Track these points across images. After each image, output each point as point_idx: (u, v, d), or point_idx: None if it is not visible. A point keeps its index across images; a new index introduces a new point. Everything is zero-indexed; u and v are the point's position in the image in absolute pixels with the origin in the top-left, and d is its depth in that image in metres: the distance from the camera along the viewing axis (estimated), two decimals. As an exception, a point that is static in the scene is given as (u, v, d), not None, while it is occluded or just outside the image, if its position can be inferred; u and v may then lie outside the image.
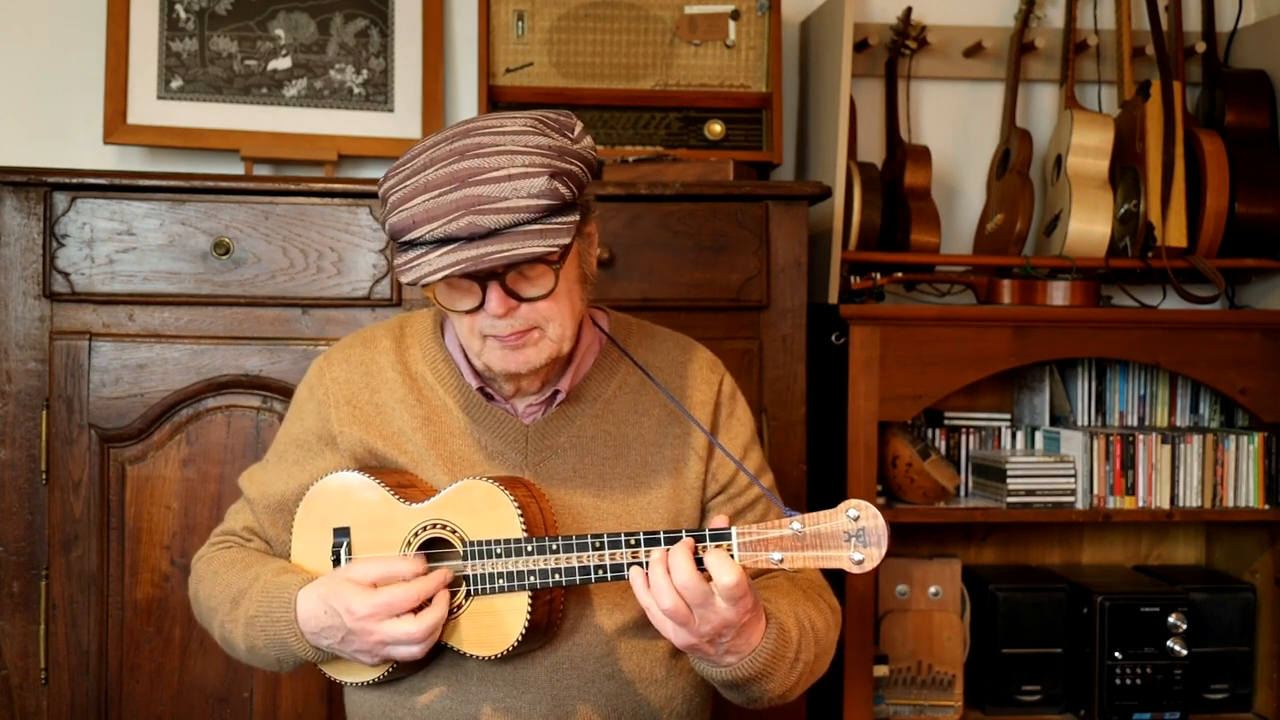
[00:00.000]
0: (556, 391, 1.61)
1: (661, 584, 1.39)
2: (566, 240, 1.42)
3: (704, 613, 1.39)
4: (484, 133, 1.44)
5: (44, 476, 2.18)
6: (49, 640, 2.18)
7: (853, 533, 1.38)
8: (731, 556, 1.40)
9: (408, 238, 1.42)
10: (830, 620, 1.63)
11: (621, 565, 1.46)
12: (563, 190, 1.42)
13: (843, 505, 1.39)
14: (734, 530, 1.42)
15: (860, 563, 1.38)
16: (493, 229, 1.39)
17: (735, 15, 2.69)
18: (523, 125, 1.45)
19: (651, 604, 1.41)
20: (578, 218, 1.45)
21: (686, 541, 1.41)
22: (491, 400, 1.62)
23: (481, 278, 1.45)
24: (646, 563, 1.43)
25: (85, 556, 2.18)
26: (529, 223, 1.40)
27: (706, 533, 1.43)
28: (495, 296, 1.45)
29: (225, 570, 1.64)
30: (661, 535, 1.45)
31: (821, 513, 1.40)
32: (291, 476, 1.66)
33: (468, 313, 1.49)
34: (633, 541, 1.46)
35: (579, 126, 1.51)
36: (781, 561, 1.40)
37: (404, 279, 1.42)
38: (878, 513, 1.38)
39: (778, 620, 1.49)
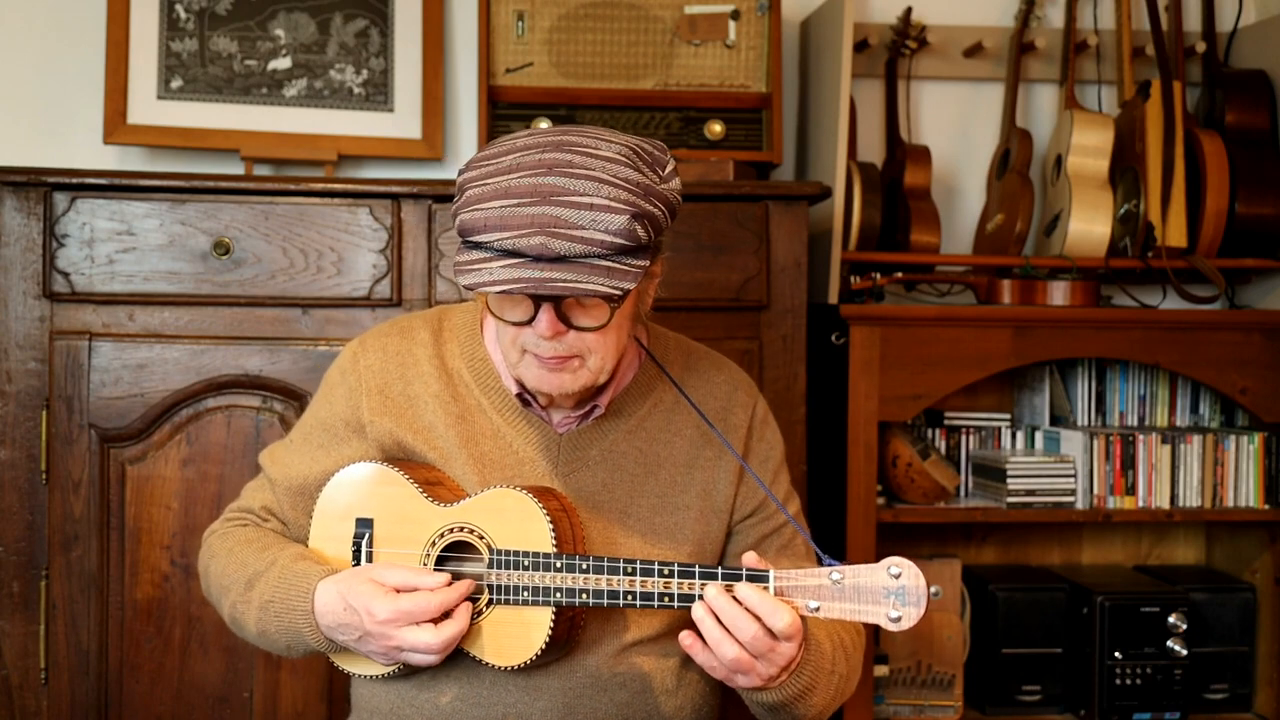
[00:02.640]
0: (595, 406, 1.60)
1: (719, 637, 1.39)
2: (630, 285, 1.39)
3: (773, 656, 1.39)
4: (576, 150, 1.40)
5: (44, 476, 2.18)
6: (49, 640, 2.18)
7: (893, 590, 1.36)
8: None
9: (475, 239, 1.39)
10: (856, 640, 1.62)
11: (652, 594, 1.44)
12: (640, 233, 1.39)
13: (885, 561, 1.37)
14: (771, 574, 1.40)
15: (897, 620, 1.36)
16: (562, 254, 1.36)
17: (735, 15, 2.69)
18: (616, 153, 1.41)
19: (715, 664, 1.41)
20: (648, 263, 1.43)
21: (723, 596, 1.39)
22: (528, 406, 1.60)
23: (538, 296, 1.42)
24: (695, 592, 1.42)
25: (85, 556, 2.17)
26: (600, 257, 1.37)
27: (743, 572, 1.41)
28: (546, 319, 1.42)
29: (240, 549, 1.62)
30: (696, 569, 1.43)
31: (862, 566, 1.38)
32: (315, 461, 1.64)
33: (514, 324, 1.46)
34: (665, 571, 1.44)
35: (671, 165, 1.48)
36: (817, 610, 1.38)
37: (463, 280, 1.39)
38: (919, 572, 1.36)
39: (810, 633, 1.48)
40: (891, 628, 1.36)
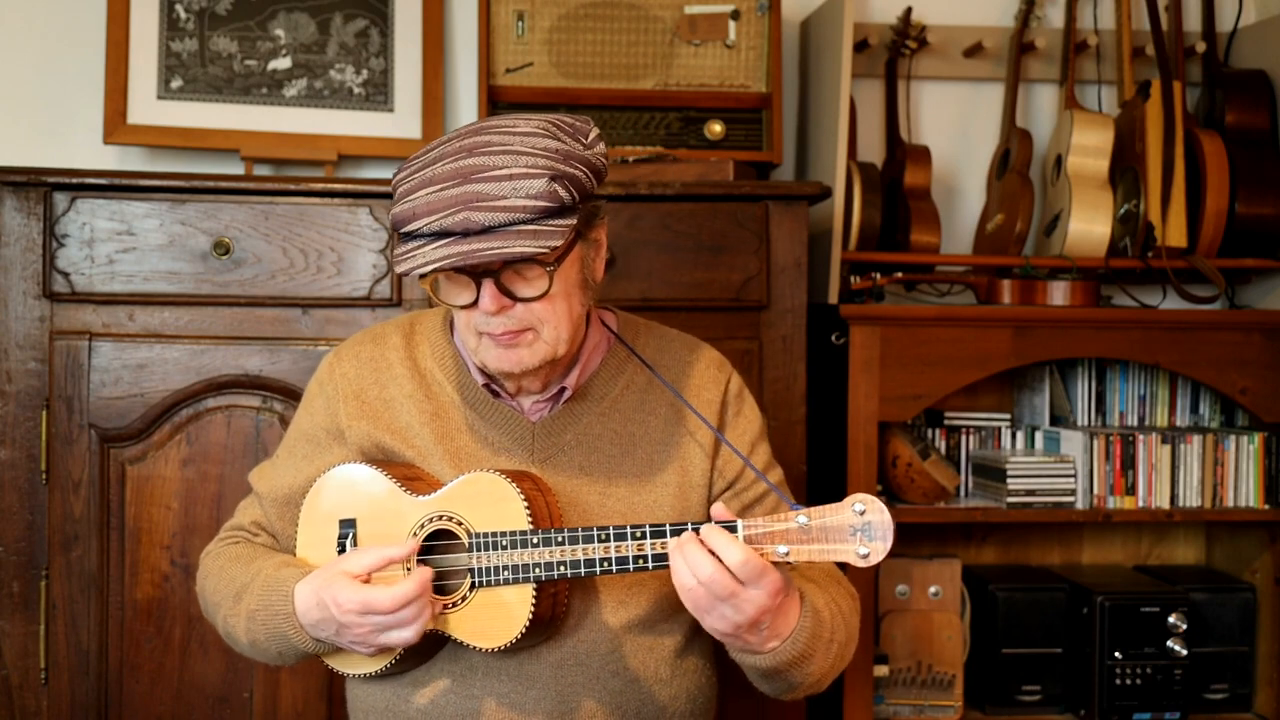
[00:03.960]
0: (563, 389, 1.62)
1: (680, 567, 1.41)
2: (558, 242, 1.43)
3: (737, 601, 1.40)
4: (494, 131, 1.46)
5: (44, 476, 2.18)
6: (49, 640, 2.18)
7: (859, 527, 1.39)
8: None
9: (407, 229, 1.45)
10: (852, 605, 1.64)
11: (627, 558, 1.46)
12: (562, 193, 1.43)
13: (849, 499, 1.39)
14: (740, 523, 1.42)
15: (865, 556, 1.38)
16: (487, 225, 1.41)
17: (735, 15, 2.69)
18: (534, 127, 1.47)
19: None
20: (574, 222, 1.46)
21: (691, 536, 1.42)
22: (498, 397, 1.63)
23: (477, 274, 1.46)
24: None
25: (85, 556, 2.18)
26: (524, 223, 1.42)
27: (713, 524, 1.43)
28: (488, 293, 1.47)
29: (230, 565, 1.65)
30: (668, 528, 1.46)
31: (827, 506, 1.40)
32: (299, 470, 1.67)
33: (463, 308, 1.50)
34: (638, 534, 1.46)
35: (593, 133, 1.52)
36: (787, 555, 1.40)
37: (398, 269, 1.45)
38: (883, 507, 1.39)
39: (809, 600, 1.50)
40: (860, 564, 1.39)
